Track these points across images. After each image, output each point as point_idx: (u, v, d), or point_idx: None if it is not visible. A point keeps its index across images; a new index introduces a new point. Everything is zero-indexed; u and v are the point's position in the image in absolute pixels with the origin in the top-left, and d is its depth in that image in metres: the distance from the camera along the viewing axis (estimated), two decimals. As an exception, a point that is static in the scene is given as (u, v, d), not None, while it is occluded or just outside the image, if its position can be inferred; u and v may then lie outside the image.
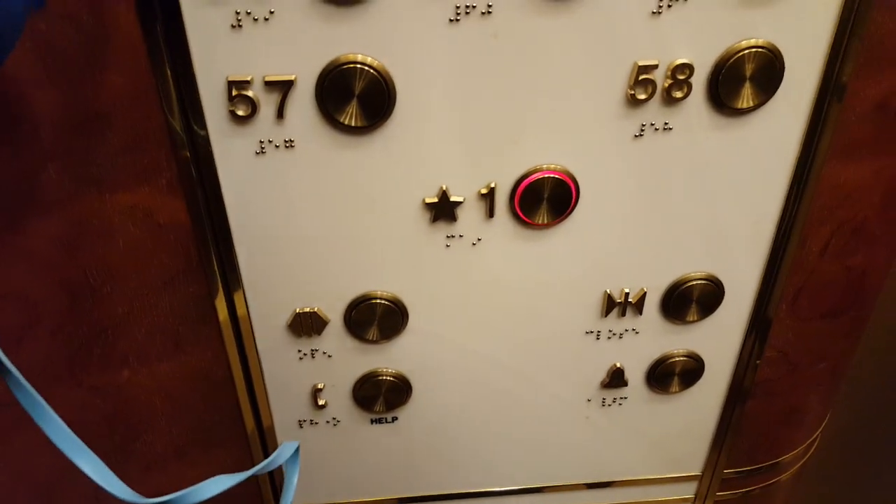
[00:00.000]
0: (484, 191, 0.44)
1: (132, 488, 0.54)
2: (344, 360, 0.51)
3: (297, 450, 0.39)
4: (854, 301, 0.53)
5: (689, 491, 0.63)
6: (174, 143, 0.40)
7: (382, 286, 0.48)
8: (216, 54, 0.38)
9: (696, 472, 0.62)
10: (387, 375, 0.52)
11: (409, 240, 0.45)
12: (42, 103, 0.38)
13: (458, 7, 0.37)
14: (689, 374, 0.54)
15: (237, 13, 0.36)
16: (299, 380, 0.52)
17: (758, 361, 0.54)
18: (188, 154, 0.40)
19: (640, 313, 0.51)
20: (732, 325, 0.52)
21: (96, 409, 0.49)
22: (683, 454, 0.60)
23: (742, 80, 0.40)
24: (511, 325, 0.50)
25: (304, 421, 0.55)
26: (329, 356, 0.51)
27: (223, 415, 0.53)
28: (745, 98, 0.41)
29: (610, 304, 0.50)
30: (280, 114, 0.39)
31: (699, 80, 0.40)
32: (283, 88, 0.39)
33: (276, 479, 0.59)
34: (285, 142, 0.41)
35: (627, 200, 0.45)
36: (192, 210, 0.42)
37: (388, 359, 0.52)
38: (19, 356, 0.44)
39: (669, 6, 0.38)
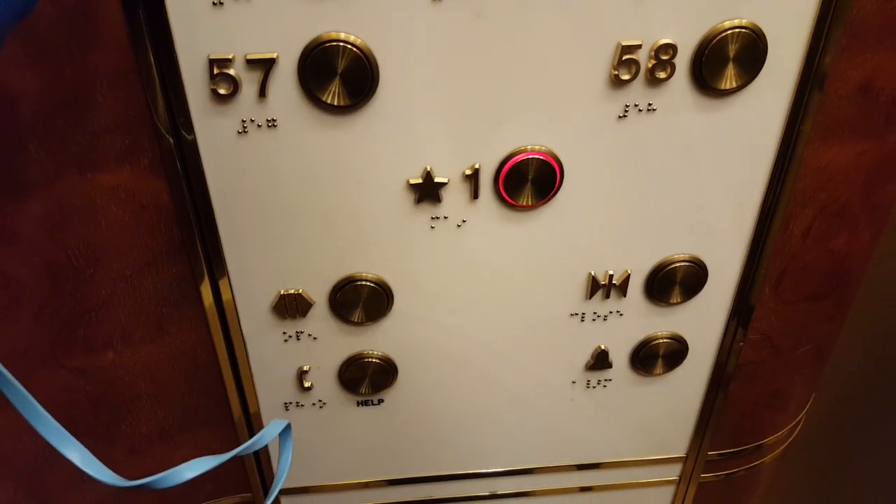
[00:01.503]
0: (468, 171, 0.44)
1: (117, 470, 0.54)
2: (329, 342, 0.51)
3: (288, 427, 0.38)
4: (837, 284, 0.54)
5: (673, 473, 0.64)
6: (155, 122, 0.40)
7: (367, 268, 0.48)
8: (197, 32, 0.37)
9: (681, 453, 0.62)
10: (373, 358, 0.52)
11: (394, 221, 0.45)
12: (21, 83, 0.37)
13: (440, -15, 0.37)
14: (672, 356, 0.55)
15: (218, -10, 0.36)
16: (284, 362, 0.52)
17: (741, 344, 0.54)
18: (170, 134, 0.40)
19: (625, 295, 0.51)
20: (716, 308, 0.53)
21: (80, 391, 0.49)
22: (667, 436, 0.61)
23: (725, 60, 0.40)
24: (496, 307, 0.51)
25: (290, 403, 0.55)
26: (314, 338, 0.51)
27: (208, 397, 0.53)
28: (729, 79, 0.41)
29: (594, 286, 0.50)
30: (262, 92, 0.39)
31: (683, 61, 0.40)
32: (265, 67, 0.38)
33: (262, 463, 0.59)
34: (268, 121, 0.40)
35: (611, 182, 0.45)
36: (175, 191, 0.42)
37: (374, 341, 0.52)
38: (2, 338, 0.44)
39: (653, -14, 0.38)
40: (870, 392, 0.82)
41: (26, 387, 0.47)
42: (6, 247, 0.42)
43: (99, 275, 0.45)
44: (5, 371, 0.27)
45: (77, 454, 0.29)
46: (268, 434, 0.36)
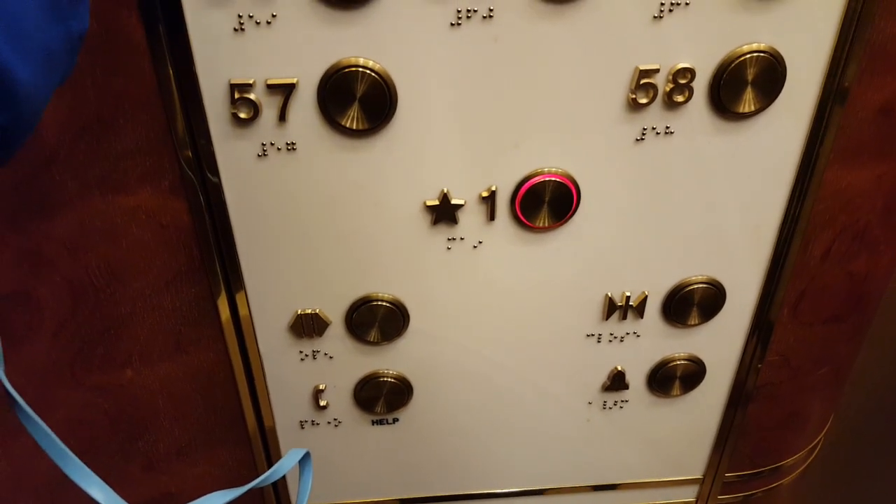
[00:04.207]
0: (485, 193, 0.44)
1: (134, 487, 0.54)
2: (345, 361, 0.51)
3: (307, 455, 0.38)
4: (856, 306, 0.53)
5: (690, 494, 0.63)
6: (177, 145, 0.40)
7: (383, 288, 0.48)
8: (218, 57, 0.38)
9: (698, 475, 0.62)
10: (388, 377, 0.52)
11: (410, 242, 0.46)
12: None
13: (459, 11, 0.37)
14: (690, 378, 0.54)
15: (239, 16, 0.37)
16: (301, 381, 0.52)
17: (759, 365, 0.54)
18: (190, 156, 0.41)
19: (642, 317, 0.51)
20: (734, 329, 0.52)
21: (99, 408, 0.49)
22: (685, 457, 0.60)
23: (744, 84, 0.40)
24: (512, 327, 0.51)
25: (306, 422, 0.55)
26: (330, 357, 0.51)
27: (225, 415, 0.53)
28: (747, 102, 0.41)
29: (611, 308, 0.50)
30: (282, 117, 0.40)
31: (701, 85, 0.40)
32: (285, 91, 0.39)
33: (277, 482, 0.59)
34: (287, 145, 0.41)
35: (629, 204, 0.45)
36: (195, 212, 0.43)
37: (390, 360, 0.52)
38: (23, 356, 0.44)
39: (671, 10, 0.38)
40: (888, 414, 0.81)
41: (46, 405, 0.47)
42: (28, 267, 0.43)
43: (119, 294, 0.45)
44: (31, 411, 0.28)
45: (100, 492, 0.30)
46: (285, 464, 0.36)
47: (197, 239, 0.44)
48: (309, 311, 0.48)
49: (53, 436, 0.28)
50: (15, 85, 0.25)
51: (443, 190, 0.43)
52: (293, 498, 0.59)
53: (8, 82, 0.25)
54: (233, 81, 0.38)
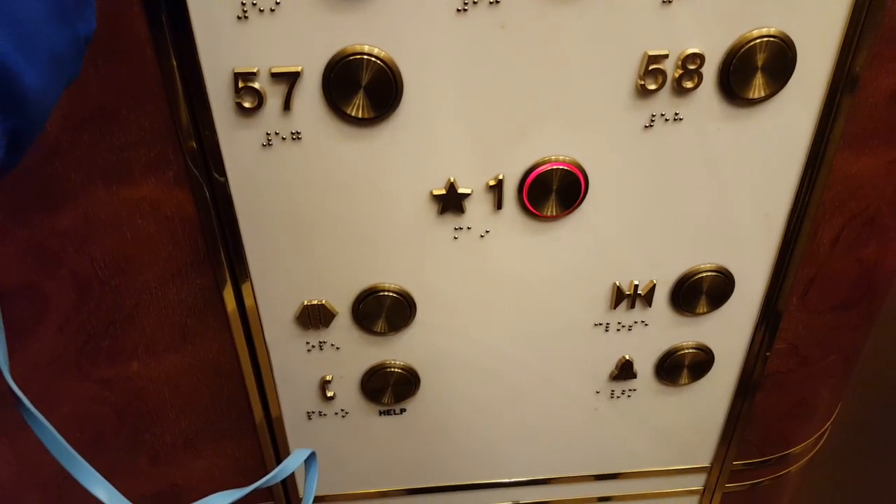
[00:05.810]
0: (492, 182, 0.43)
1: (141, 480, 0.54)
2: (352, 352, 0.51)
3: (313, 455, 0.38)
4: (866, 293, 0.53)
5: (697, 483, 0.63)
6: (180, 136, 0.40)
7: (390, 278, 0.48)
8: (222, 46, 0.37)
9: (705, 463, 0.62)
10: (395, 367, 0.52)
11: (417, 232, 0.45)
12: (48, 96, 0.37)
13: (465, -3, 0.37)
14: (698, 367, 0.54)
15: (243, 4, 0.36)
16: (307, 372, 0.52)
17: (767, 354, 0.54)
18: (194, 147, 0.40)
19: (650, 305, 0.50)
20: (742, 317, 0.52)
21: (105, 401, 0.49)
22: (692, 446, 0.60)
23: (754, 69, 0.40)
24: (519, 317, 0.50)
25: (313, 413, 0.55)
26: (337, 348, 0.51)
27: (231, 406, 0.53)
28: (757, 88, 0.40)
29: (619, 297, 0.49)
30: (287, 106, 0.39)
31: (710, 70, 0.40)
32: (289, 80, 0.38)
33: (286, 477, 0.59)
34: (292, 134, 0.40)
35: (637, 191, 0.45)
36: (199, 203, 0.42)
37: (397, 351, 0.51)
38: (29, 350, 0.44)
39: (680, -5, 0.37)
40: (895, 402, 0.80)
41: (52, 399, 0.47)
42: (33, 260, 0.42)
43: (124, 286, 0.45)
44: (35, 410, 0.28)
45: (104, 491, 0.30)
46: (290, 464, 0.36)
47: (202, 230, 0.44)
48: (315, 301, 0.48)
49: (58, 435, 0.28)
50: (22, 89, 0.25)
51: (449, 179, 0.43)
52: (302, 492, 0.59)
53: (15, 86, 0.25)
54: (236, 70, 0.38)
